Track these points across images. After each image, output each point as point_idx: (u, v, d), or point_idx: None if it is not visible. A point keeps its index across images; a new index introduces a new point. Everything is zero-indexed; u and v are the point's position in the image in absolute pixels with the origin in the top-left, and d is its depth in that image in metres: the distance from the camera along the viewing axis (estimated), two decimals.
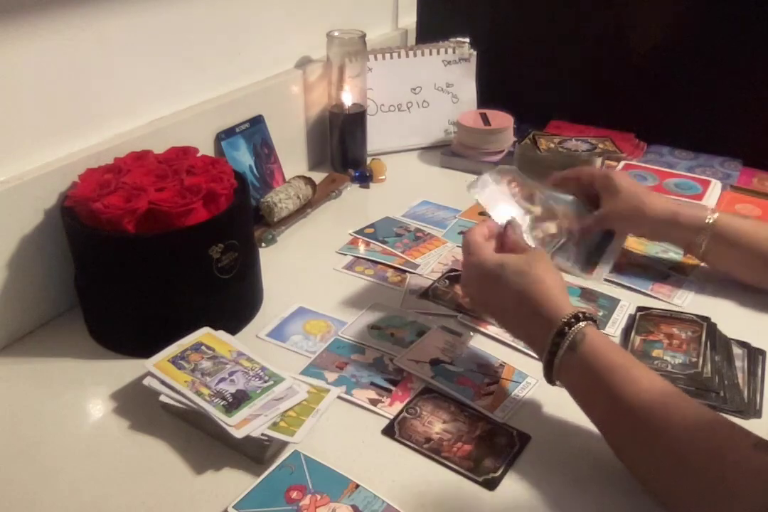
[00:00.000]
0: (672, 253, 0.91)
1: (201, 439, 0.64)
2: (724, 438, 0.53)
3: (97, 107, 0.81)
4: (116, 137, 0.82)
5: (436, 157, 1.20)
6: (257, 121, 1.02)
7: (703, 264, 0.86)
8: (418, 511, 0.57)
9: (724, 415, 0.57)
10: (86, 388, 0.71)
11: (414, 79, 1.20)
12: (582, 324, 0.60)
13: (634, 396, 0.55)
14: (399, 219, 1.02)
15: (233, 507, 0.56)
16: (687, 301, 0.83)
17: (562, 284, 0.66)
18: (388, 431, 0.65)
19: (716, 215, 0.79)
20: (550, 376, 0.62)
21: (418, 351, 0.74)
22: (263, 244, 0.94)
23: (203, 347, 0.69)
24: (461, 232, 0.98)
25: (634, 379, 0.57)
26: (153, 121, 0.87)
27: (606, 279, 0.87)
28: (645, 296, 0.84)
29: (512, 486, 0.60)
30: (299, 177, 1.04)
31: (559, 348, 0.60)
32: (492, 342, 0.77)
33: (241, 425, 0.60)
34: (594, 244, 0.86)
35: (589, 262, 0.85)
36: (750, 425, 0.64)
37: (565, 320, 0.60)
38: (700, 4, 1.10)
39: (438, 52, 1.20)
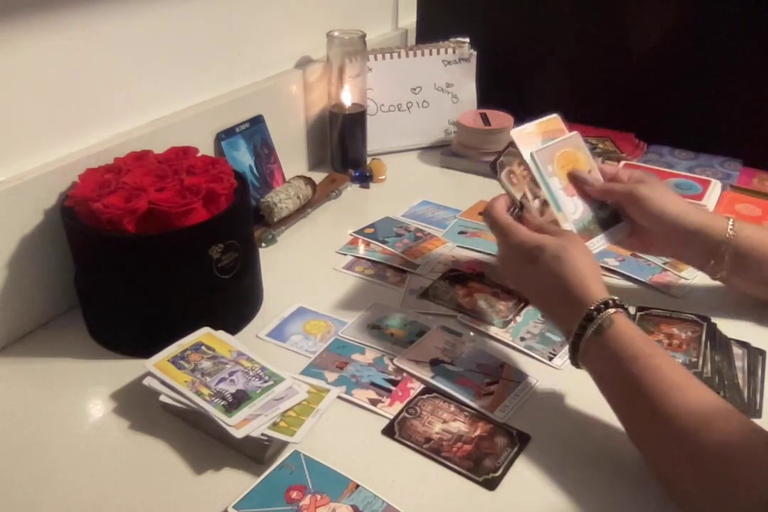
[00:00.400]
0: None
1: (201, 439, 0.64)
2: (735, 432, 0.53)
3: (97, 107, 0.81)
4: (116, 137, 0.82)
5: (436, 157, 1.20)
6: (257, 121, 1.02)
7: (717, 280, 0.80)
8: (418, 511, 0.57)
9: None
10: (86, 388, 0.71)
11: (414, 79, 1.20)
12: (611, 310, 0.61)
13: (653, 384, 0.56)
14: (399, 219, 1.02)
15: (233, 507, 0.56)
16: (684, 292, 0.84)
17: (596, 271, 0.67)
18: (388, 431, 0.65)
19: (736, 225, 0.74)
20: (575, 359, 0.64)
21: (418, 351, 0.74)
22: (263, 244, 0.94)
23: (203, 347, 0.69)
24: (462, 232, 0.98)
25: (655, 368, 0.57)
26: (153, 121, 0.87)
27: (605, 267, 0.87)
28: (643, 286, 0.86)
29: (512, 486, 0.60)
30: (299, 177, 1.04)
31: (585, 331, 0.61)
32: (492, 342, 0.77)
33: (241, 425, 0.60)
34: (600, 216, 0.79)
35: (586, 228, 0.78)
36: None
37: (595, 306, 0.61)
38: (700, 4, 1.10)
39: (438, 52, 1.20)
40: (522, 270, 0.71)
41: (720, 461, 0.52)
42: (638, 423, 0.59)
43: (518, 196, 0.77)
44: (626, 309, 0.63)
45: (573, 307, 0.63)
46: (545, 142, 0.78)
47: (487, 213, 0.74)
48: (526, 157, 0.77)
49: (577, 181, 0.78)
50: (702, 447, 0.53)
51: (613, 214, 0.79)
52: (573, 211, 0.78)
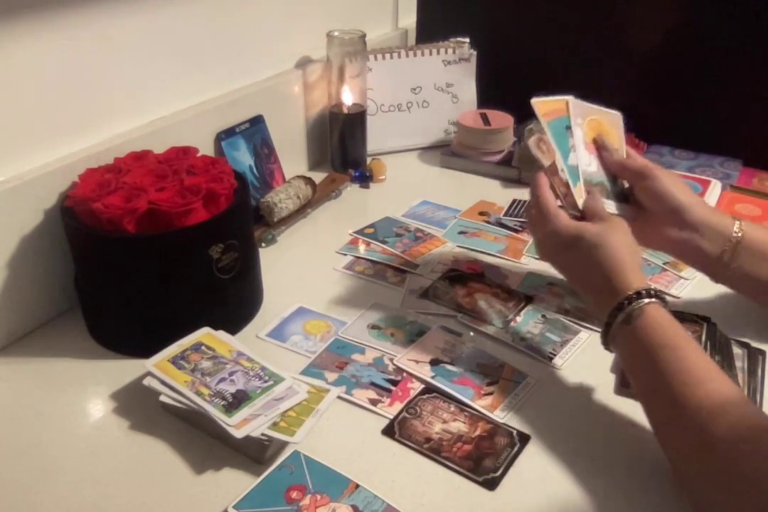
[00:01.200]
0: None
1: (201, 439, 0.64)
2: (750, 425, 0.53)
3: (97, 107, 0.81)
4: (116, 137, 0.82)
5: (436, 157, 1.20)
6: (257, 121, 1.02)
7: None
8: (418, 511, 0.57)
9: None
10: (86, 388, 0.71)
11: (414, 79, 1.20)
12: (645, 300, 0.61)
13: (675, 375, 0.57)
14: (399, 219, 1.02)
15: (233, 507, 0.56)
16: (684, 292, 0.85)
17: (636, 258, 0.67)
18: (388, 431, 0.65)
19: (743, 224, 0.73)
20: (606, 344, 0.65)
21: (418, 351, 0.74)
22: (263, 244, 0.94)
23: (203, 347, 0.69)
24: (462, 232, 0.98)
25: (680, 359, 0.58)
26: (153, 121, 0.87)
27: None
28: None
29: (512, 486, 0.60)
30: (299, 177, 1.04)
31: (615, 320, 0.62)
32: (492, 342, 0.77)
33: (241, 425, 0.60)
34: (609, 188, 0.76)
35: (593, 186, 0.75)
36: None
37: (627, 295, 0.62)
38: (700, 4, 1.10)
39: (438, 52, 1.20)
40: (560, 256, 0.71)
41: (731, 454, 0.52)
42: (658, 411, 0.60)
43: (546, 163, 0.74)
44: (662, 299, 0.63)
45: (608, 295, 0.64)
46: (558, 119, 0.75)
47: (532, 191, 0.73)
48: (543, 122, 0.74)
49: (598, 147, 0.77)
50: (714, 440, 0.53)
51: (621, 193, 0.77)
52: (588, 163, 0.75)
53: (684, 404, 0.56)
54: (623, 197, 0.77)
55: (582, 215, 0.72)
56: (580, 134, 0.76)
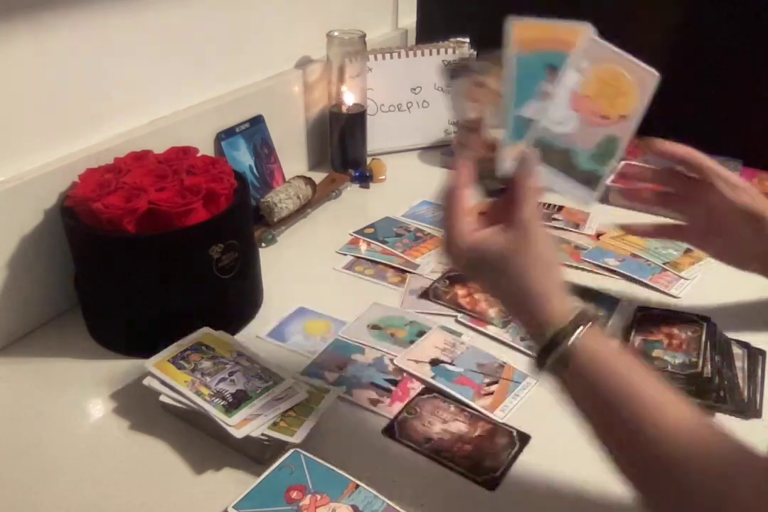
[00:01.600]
0: (671, 249, 0.92)
1: (201, 439, 0.64)
2: (728, 458, 0.47)
3: (97, 107, 0.81)
4: (116, 137, 0.82)
5: (436, 157, 1.20)
6: (257, 121, 1.02)
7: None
8: (417, 511, 0.57)
9: (726, 417, 0.55)
10: (86, 388, 0.71)
11: (414, 79, 1.20)
12: (575, 332, 0.51)
13: (629, 411, 0.49)
14: (399, 219, 1.02)
15: (233, 507, 0.56)
16: (684, 292, 0.85)
17: (552, 276, 0.54)
18: (388, 431, 0.65)
19: None
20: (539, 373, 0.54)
21: (418, 351, 0.74)
22: (263, 244, 0.94)
23: (203, 347, 0.69)
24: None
25: (629, 396, 0.49)
26: (153, 121, 0.87)
27: (605, 267, 0.87)
28: (643, 287, 0.86)
29: (512, 486, 0.60)
30: (299, 177, 1.04)
31: (545, 362, 0.52)
32: (492, 342, 0.77)
33: (241, 425, 0.60)
34: (580, 164, 0.60)
35: (550, 148, 0.58)
36: (750, 425, 0.65)
37: (553, 333, 0.51)
38: (701, 4, 1.10)
39: (438, 52, 1.20)
40: (471, 275, 0.60)
41: (720, 490, 0.45)
42: (618, 448, 0.51)
43: (469, 115, 0.57)
44: (593, 319, 0.52)
45: (531, 329, 0.54)
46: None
47: (444, 196, 0.57)
48: (511, 54, 0.54)
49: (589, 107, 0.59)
50: (686, 475, 0.46)
51: (593, 177, 0.59)
52: (559, 121, 0.57)
53: (647, 438, 0.47)
54: (587, 181, 0.59)
55: (505, 185, 0.56)
56: (574, 80, 0.57)
